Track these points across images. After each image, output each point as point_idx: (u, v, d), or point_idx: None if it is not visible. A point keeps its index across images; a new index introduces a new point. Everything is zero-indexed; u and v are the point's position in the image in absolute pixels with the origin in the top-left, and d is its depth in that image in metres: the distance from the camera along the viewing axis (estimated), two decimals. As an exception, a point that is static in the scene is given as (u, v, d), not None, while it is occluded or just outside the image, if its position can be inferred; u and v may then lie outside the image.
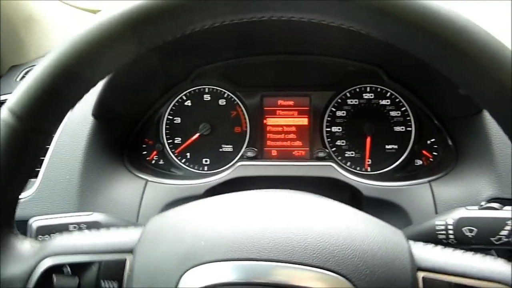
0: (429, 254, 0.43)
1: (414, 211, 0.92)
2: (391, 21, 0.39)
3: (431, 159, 1.07)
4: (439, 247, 0.45)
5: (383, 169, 1.08)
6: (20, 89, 0.44)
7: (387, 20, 0.39)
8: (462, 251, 0.44)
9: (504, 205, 0.65)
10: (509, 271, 0.42)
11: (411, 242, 0.45)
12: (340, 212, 0.47)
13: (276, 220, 0.44)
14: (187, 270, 0.41)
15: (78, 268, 0.49)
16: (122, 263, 0.47)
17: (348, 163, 1.09)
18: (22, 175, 0.49)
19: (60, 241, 0.51)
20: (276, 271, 0.40)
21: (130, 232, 0.50)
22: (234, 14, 0.43)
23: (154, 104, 1.13)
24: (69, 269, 0.49)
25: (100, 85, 0.93)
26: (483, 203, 0.67)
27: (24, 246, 0.51)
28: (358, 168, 1.09)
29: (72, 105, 0.47)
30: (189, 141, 1.13)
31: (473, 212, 0.65)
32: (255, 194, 0.51)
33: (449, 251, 0.44)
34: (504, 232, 0.61)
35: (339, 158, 1.10)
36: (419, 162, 1.08)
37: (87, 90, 0.47)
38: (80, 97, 0.47)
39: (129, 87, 1.01)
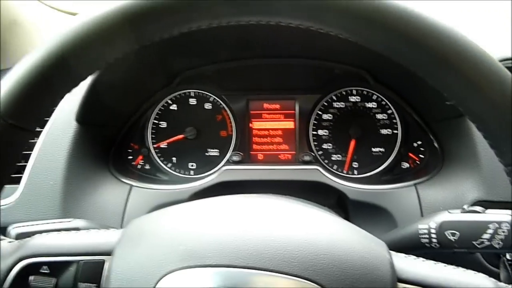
0: (410, 266, 0.43)
1: (400, 214, 0.91)
2: (381, 32, 0.39)
3: (417, 162, 1.06)
4: (420, 259, 0.45)
5: (370, 172, 1.08)
6: (2, 85, 0.42)
7: (379, 31, 0.39)
8: (444, 264, 0.44)
9: (489, 207, 0.65)
10: (489, 285, 0.42)
11: (393, 253, 0.44)
12: (324, 220, 0.47)
13: (257, 227, 0.44)
14: (165, 275, 0.41)
15: (56, 269, 0.48)
16: (101, 265, 0.47)
17: (335, 167, 1.09)
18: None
19: (38, 241, 0.50)
20: (254, 279, 0.40)
21: (109, 234, 0.50)
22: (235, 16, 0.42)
23: (139, 109, 1.12)
24: (47, 269, 0.48)
25: (83, 91, 0.93)
26: (465, 206, 0.66)
27: (2, 245, 0.50)
28: (344, 172, 1.08)
29: (54, 103, 0.46)
30: (172, 139, 1.12)
31: (455, 215, 0.64)
32: (237, 199, 0.51)
33: (430, 263, 0.44)
34: (486, 236, 0.61)
35: (326, 161, 1.09)
36: (406, 165, 1.07)
37: (74, 85, 0.45)
38: (63, 94, 0.45)
39: (112, 92, 1.00)
